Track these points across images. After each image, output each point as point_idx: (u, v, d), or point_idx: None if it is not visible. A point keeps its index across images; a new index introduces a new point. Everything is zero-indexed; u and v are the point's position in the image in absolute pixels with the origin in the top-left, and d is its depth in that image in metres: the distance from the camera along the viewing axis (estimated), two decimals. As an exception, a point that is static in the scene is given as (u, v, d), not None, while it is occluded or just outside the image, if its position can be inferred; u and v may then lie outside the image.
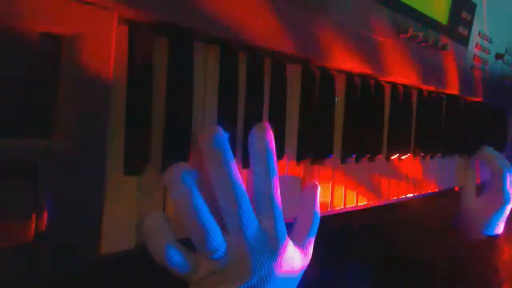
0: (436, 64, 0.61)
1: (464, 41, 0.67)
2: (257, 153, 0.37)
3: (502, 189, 0.74)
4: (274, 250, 0.36)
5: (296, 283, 0.40)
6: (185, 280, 0.35)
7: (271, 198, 0.37)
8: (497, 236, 0.74)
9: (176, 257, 0.32)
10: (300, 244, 0.41)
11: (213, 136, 0.34)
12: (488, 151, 0.77)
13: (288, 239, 0.38)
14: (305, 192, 0.45)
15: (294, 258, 0.39)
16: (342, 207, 0.51)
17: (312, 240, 0.42)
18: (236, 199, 0.34)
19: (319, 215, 0.43)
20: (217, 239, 0.33)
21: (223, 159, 0.34)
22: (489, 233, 0.74)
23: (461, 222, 0.76)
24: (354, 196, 0.53)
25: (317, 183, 0.46)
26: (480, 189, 0.78)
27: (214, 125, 0.36)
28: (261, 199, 0.37)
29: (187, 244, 0.34)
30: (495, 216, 0.74)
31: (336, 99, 0.49)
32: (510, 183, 0.76)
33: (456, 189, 0.77)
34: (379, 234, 0.72)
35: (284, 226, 0.38)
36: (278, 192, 0.37)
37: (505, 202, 0.74)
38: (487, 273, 0.70)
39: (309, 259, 0.41)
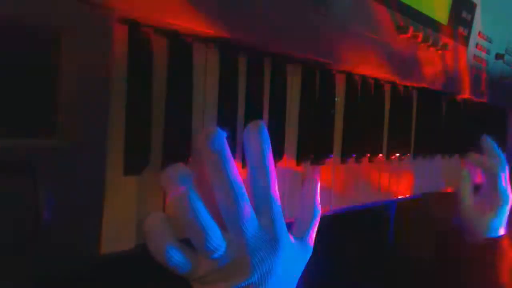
0: (436, 64, 0.61)
1: (464, 41, 0.67)
2: (253, 151, 0.37)
3: (497, 190, 0.71)
4: (274, 248, 0.36)
5: (297, 278, 0.40)
6: (186, 278, 0.35)
7: (269, 196, 0.37)
8: (499, 237, 0.70)
9: (176, 257, 0.32)
10: (301, 239, 0.41)
11: (211, 136, 0.34)
12: (480, 150, 0.74)
13: (289, 235, 0.38)
14: (305, 187, 0.44)
15: (295, 253, 0.39)
16: (342, 206, 0.51)
17: (313, 235, 0.42)
18: (235, 198, 0.34)
19: (319, 209, 0.43)
20: (216, 239, 0.33)
21: (221, 160, 0.34)
22: (490, 235, 0.70)
23: (461, 223, 0.73)
24: (354, 196, 0.53)
25: (317, 177, 0.45)
26: (477, 189, 0.75)
27: (212, 126, 0.36)
28: (259, 198, 0.37)
29: (188, 243, 0.34)
30: (494, 219, 0.70)
31: (336, 99, 0.49)
32: (506, 181, 0.72)
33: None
34: (380, 233, 0.72)
35: (283, 223, 0.38)
36: (276, 190, 0.37)
37: (503, 203, 0.70)
38: (488, 275, 0.68)
39: (310, 254, 0.41)
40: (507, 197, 0.71)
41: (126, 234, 0.32)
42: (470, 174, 0.73)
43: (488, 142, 0.75)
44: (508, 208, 0.71)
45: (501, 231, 0.71)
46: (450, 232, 0.75)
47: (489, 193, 0.72)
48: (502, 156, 0.75)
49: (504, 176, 0.72)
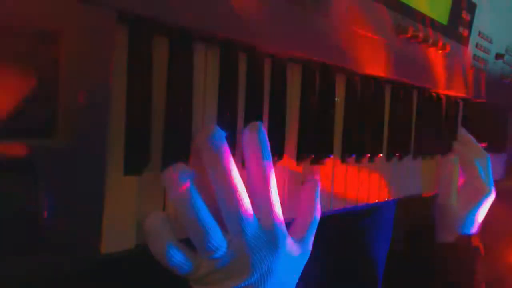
0: (436, 64, 0.61)
1: (464, 41, 0.67)
2: (251, 153, 0.37)
3: (476, 180, 0.68)
4: (273, 248, 0.36)
5: (297, 278, 0.40)
6: (186, 278, 0.35)
7: (268, 196, 0.37)
8: (471, 235, 0.68)
9: (176, 257, 0.32)
10: (300, 239, 0.41)
11: (211, 135, 0.34)
12: (456, 144, 0.72)
13: (288, 236, 0.38)
14: (305, 188, 0.45)
15: (294, 254, 0.39)
16: (342, 206, 0.51)
17: (312, 235, 0.42)
18: (235, 198, 0.34)
19: (319, 210, 0.43)
20: (217, 238, 0.33)
21: (221, 159, 0.34)
22: (463, 231, 0.67)
23: (436, 220, 0.70)
24: (354, 196, 0.53)
25: (317, 178, 0.45)
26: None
27: (212, 125, 0.36)
28: (259, 198, 0.37)
29: (188, 243, 0.34)
30: (471, 212, 0.67)
31: (336, 99, 0.49)
32: (487, 173, 0.70)
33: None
34: (379, 233, 0.72)
35: (283, 224, 0.38)
36: (275, 189, 0.37)
37: (482, 195, 0.68)
38: (458, 275, 0.67)
39: (309, 254, 0.41)
40: (487, 188, 0.69)
41: (126, 234, 0.32)
42: (457, 166, 0.70)
43: (466, 133, 0.75)
44: (488, 200, 0.69)
45: (474, 229, 0.68)
46: (423, 230, 0.73)
47: (469, 185, 0.69)
48: (480, 148, 0.73)
49: (485, 166, 0.71)
